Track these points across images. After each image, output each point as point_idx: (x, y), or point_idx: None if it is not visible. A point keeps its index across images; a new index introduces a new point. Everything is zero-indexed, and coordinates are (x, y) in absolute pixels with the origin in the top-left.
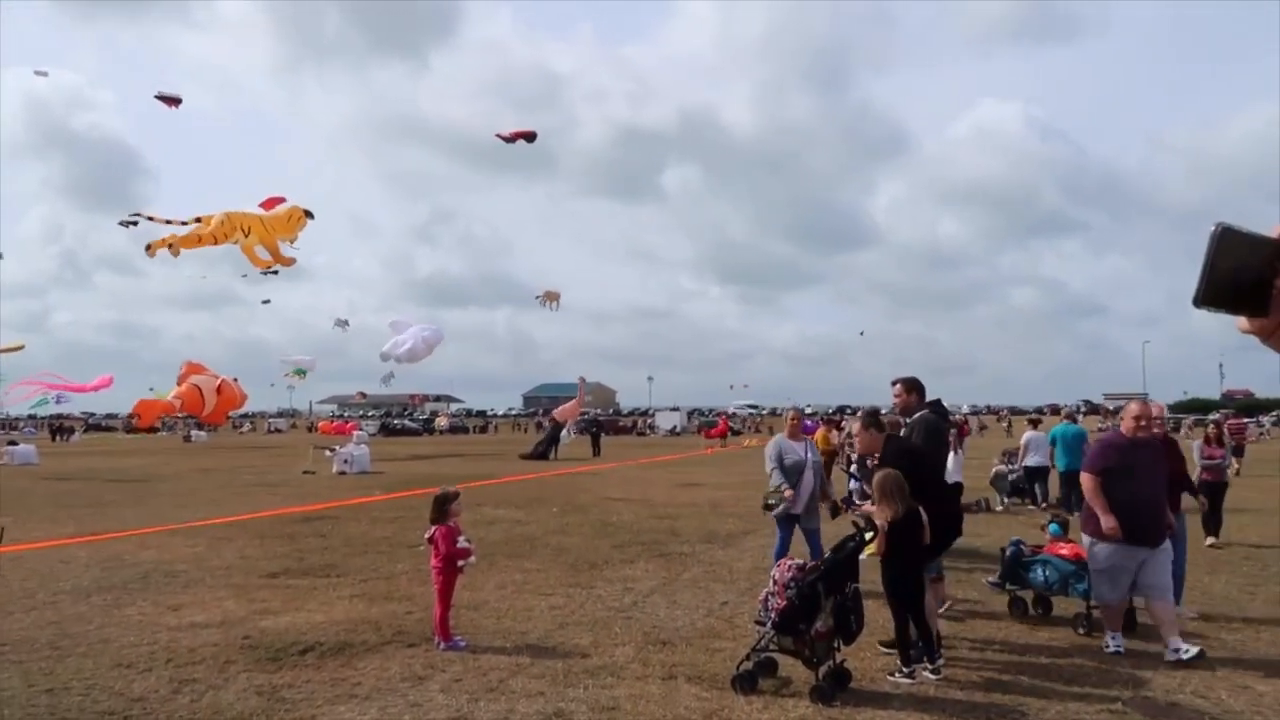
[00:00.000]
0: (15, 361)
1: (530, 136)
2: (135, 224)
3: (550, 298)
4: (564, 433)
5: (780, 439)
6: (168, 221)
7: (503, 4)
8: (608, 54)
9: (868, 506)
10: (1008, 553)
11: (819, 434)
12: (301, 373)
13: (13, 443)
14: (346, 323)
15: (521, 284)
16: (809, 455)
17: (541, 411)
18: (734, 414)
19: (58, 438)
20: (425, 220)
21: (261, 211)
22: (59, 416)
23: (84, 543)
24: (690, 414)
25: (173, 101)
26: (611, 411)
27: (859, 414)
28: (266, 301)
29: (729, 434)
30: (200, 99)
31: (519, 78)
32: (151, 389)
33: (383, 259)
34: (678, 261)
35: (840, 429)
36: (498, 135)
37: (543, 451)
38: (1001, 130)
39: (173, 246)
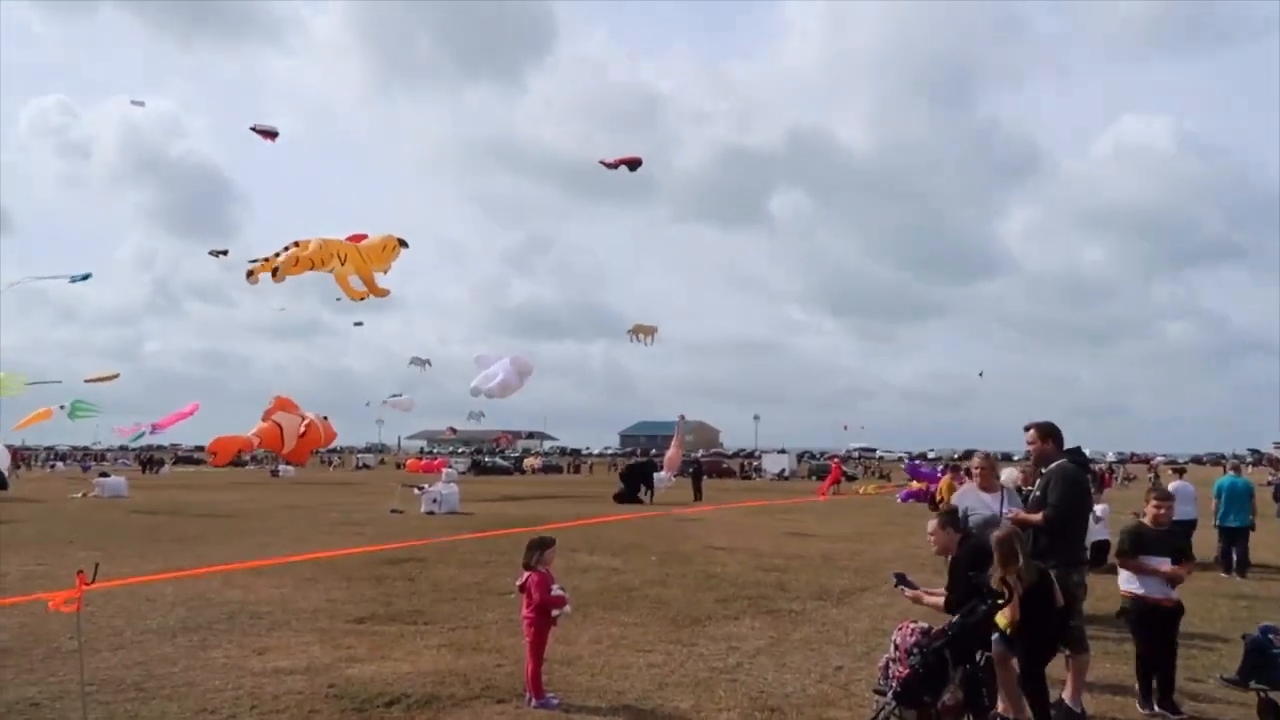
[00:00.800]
0: (108, 391)
1: (635, 164)
2: (225, 254)
3: (643, 332)
4: (662, 475)
5: (969, 490)
6: (265, 259)
7: (599, 22)
8: (710, 71)
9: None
10: (1250, 640)
11: (943, 484)
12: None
13: (104, 474)
14: (427, 362)
15: (618, 315)
16: (1004, 508)
17: (638, 451)
18: (848, 458)
19: (148, 470)
20: (518, 248)
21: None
22: (149, 448)
23: (171, 579)
24: (800, 457)
25: (269, 135)
26: (714, 452)
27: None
28: (359, 324)
29: (842, 479)
30: (292, 125)
31: (616, 98)
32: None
33: (473, 288)
34: (786, 292)
35: (968, 477)
36: (601, 162)
37: (631, 490)
38: (1150, 146)
39: (277, 271)
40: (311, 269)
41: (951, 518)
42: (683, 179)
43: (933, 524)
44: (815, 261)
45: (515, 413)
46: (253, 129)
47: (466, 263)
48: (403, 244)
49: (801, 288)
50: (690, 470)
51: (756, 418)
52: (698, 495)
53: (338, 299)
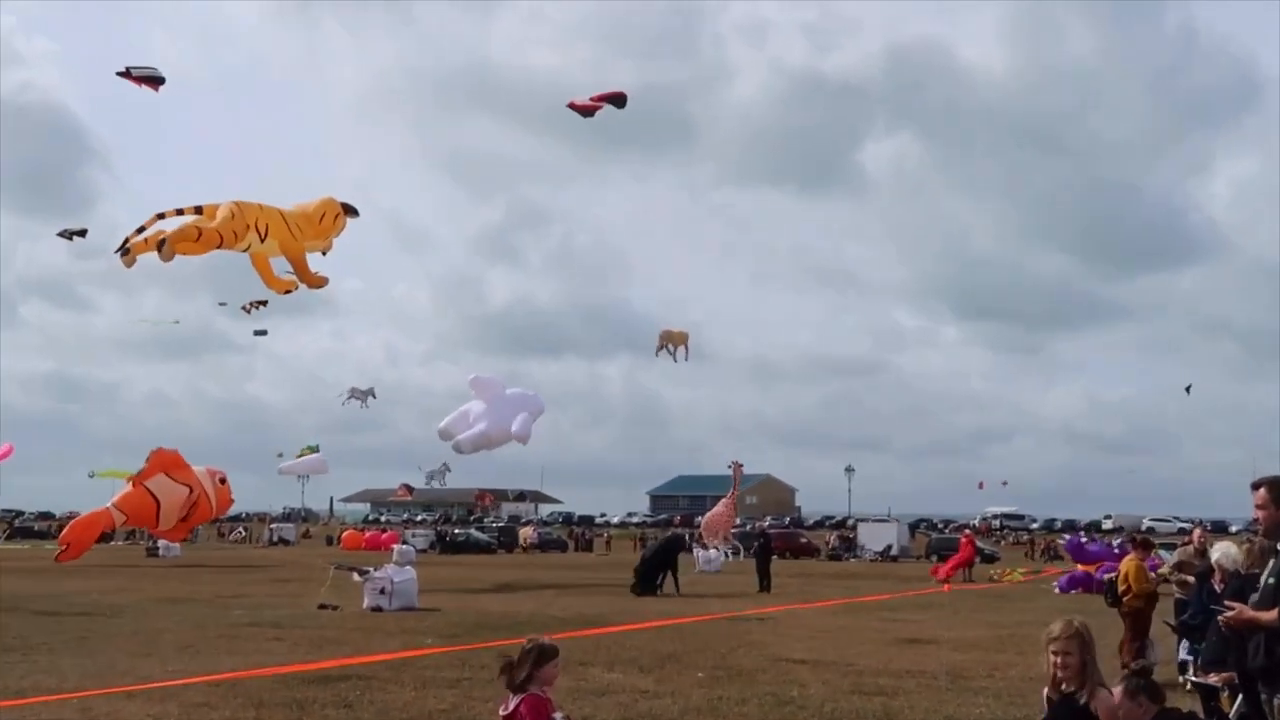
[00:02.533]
0: None
1: (618, 100)
2: (82, 235)
3: (673, 341)
4: (710, 554)
5: None
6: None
7: None
8: None
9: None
10: None
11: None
12: (314, 449)
13: None
14: (369, 394)
15: (644, 321)
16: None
17: (677, 521)
18: (985, 529)
19: None
20: (499, 226)
21: (283, 206)
22: None
23: None
24: (913, 527)
25: (151, 83)
26: (788, 521)
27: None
28: (261, 333)
29: (976, 560)
30: (176, 55)
31: (638, 5)
32: (92, 474)
33: (436, 284)
34: (887, 285)
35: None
36: (572, 105)
37: (648, 580)
38: None
39: (165, 246)
40: (219, 246)
41: (1143, 682)
42: (734, 123)
43: (1118, 693)
44: (929, 241)
45: (498, 464)
46: (126, 74)
47: (426, 248)
48: (349, 211)
49: (909, 279)
50: (754, 547)
51: (849, 470)
52: (764, 584)
53: (223, 303)
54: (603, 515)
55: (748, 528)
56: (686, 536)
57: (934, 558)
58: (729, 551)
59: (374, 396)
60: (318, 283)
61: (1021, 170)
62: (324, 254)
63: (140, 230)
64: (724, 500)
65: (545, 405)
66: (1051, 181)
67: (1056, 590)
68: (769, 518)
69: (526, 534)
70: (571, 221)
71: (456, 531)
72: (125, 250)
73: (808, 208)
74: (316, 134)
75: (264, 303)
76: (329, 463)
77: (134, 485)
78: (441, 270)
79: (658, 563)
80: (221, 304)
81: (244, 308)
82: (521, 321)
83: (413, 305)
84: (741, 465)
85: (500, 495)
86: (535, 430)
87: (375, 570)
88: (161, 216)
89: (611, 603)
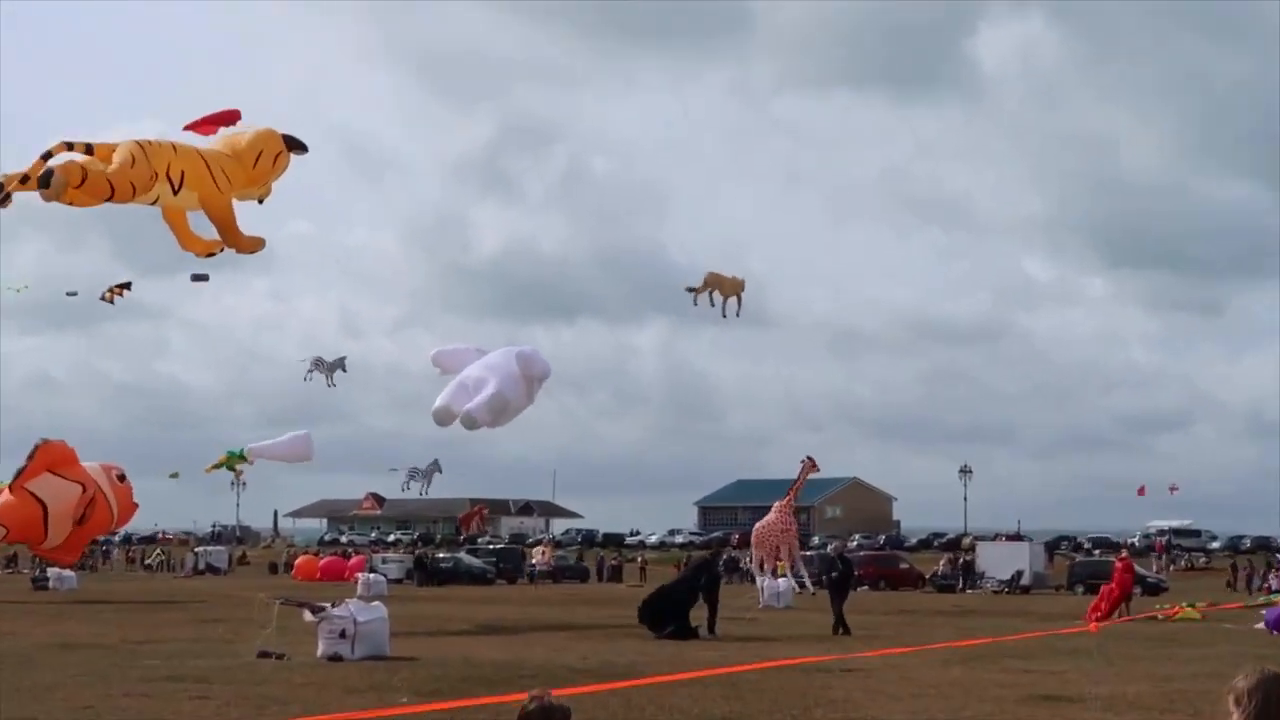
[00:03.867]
0: None
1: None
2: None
3: (720, 287)
4: (784, 582)
5: None
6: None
7: None
8: None
9: None
10: None
11: None
12: (238, 457)
13: None
14: (339, 366)
15: (686, 272)
16: None
17: (736, 538)
18: (1145, 549)
19: None
20: (489, 147)
21: (203, 141)
22: None
23: None
24: (1050, 547)
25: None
26: (882, 540)
27: None
28: (201, 278)
29: (1134, 591)
30: None
31: None
32: None
33: (407, 226)
34: (1012, 222)
35: None
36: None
37: (674, 621)
38: None
39: (50, 181)
40: (109, 199)
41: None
42: (803, 7)
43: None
44: (1067, 163)
45: (496, 465)
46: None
47: (392, 178)
48: (294, 147)
49: (1041, 215)
50: (826, 576)
51: (965, 472)
52: (840, 623)
53: (72, 293)
54: (635, 533)
55: (827, 548)
56: (744, 560)
57: (1079, 588)
58: (800, 580)
59: (344, 370)
60: (250, 246)
61: (1193, 66)
62: (261, 200)
63: (24, 179)
64: (777, 505)
65: (550, 365)
66: (1233, 81)
67: (1264, 627)
68: (856, 536)
69: (540, 558)
70: (585, 140)
71: (441, 556)
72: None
73: (902, 119)
74: (244, 26)
75: (127, 286)
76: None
77: (13, 490)
78: (413, 208)
79: (683, 593)
80: (70, 294)
81: (103, 297)
82: (520, 276)
83: (376, 255)
84: (815, 463)
85: (499, 508)
86: (543, 421)
87: (333, 607)
88: (48, 156)
89: (645, 648)
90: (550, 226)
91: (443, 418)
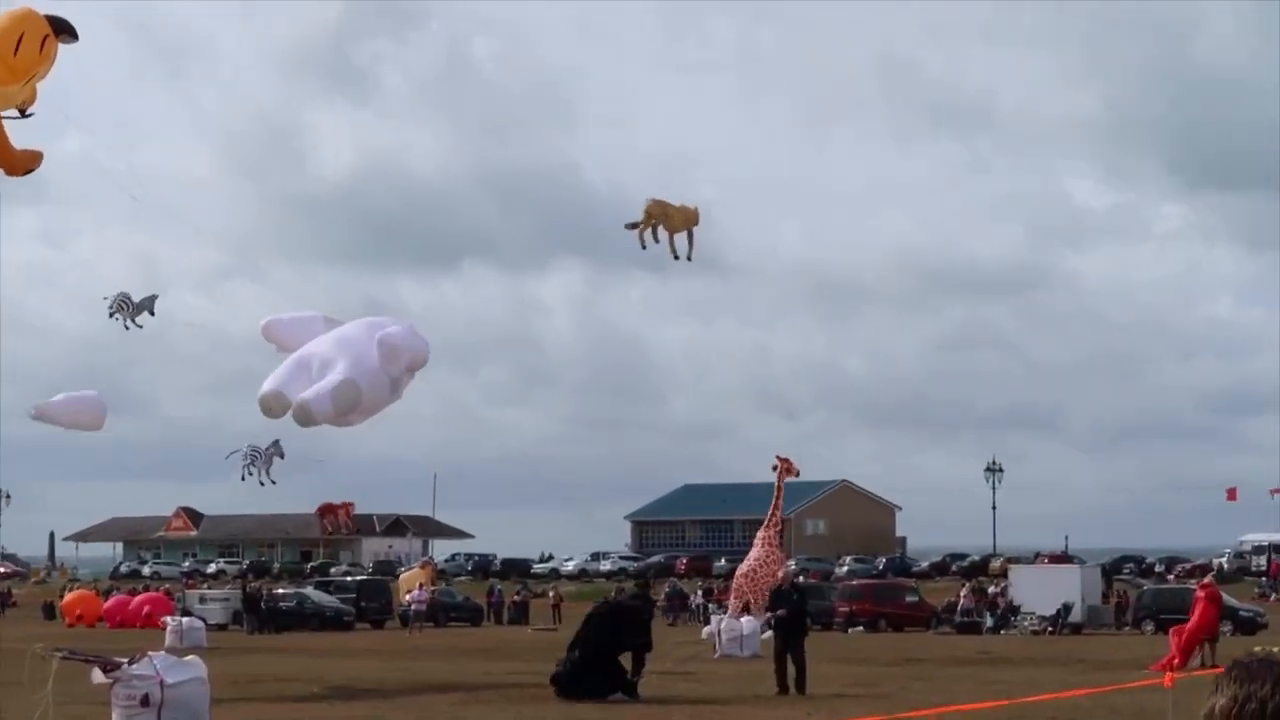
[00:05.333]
0: None
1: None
2: None
3: (669, 221)
4: (748, 621)
5: None
6: None
7: None
8: None
9: None
10: None
11: None
12: None
13: None
14: (146, 308)
15: (608, 201)
16: None
17: (683, 564)
18: (1238, 569)
19: None
20: (334, 29)
21: None
22: None
23: None
24: (1109, 570)
25: None
26: (881, 565)
27: None
28: None
29: (1220, 630)
30: None
31: None
32: None
33: (224, 140)
34: (1053, 129)
35: None
36: None
37: (588, 674)
38: None
39: None
40: None
41: None
42: None
43: None
44: (1130, 47)
45: (355, 468)
46: None
47: (201, 71)
48: (62, 31)
49: (1095, 117)
50: (771, 615)
51: (993, 470)
52: (798, 676)
53: None
54: (546, 559)
55: (800, 579)
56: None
57: (1147, 626)
58: (764, 622)
59: (151, 314)
60: (23, 164)
61: None
62: (24, 113)
63: None
64: (761, 537)
65: (429, 348)
66: None
67: None
68: (846, 558)
69: (412, 598)
70: (464, 19)
71: (281, 592)
72: None
73: None
74: None
75: None
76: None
77: None
78: (231, 114)
79: (607, 641)
80: None
81: None
82: (380, 207)
83: (182, 181)
84: (793, 464)
85: (360, 526)
86: (417, 409)
87: (132, 663)
88: None
89: (561, 716)
90: (420, 138)
91: (271, 406)
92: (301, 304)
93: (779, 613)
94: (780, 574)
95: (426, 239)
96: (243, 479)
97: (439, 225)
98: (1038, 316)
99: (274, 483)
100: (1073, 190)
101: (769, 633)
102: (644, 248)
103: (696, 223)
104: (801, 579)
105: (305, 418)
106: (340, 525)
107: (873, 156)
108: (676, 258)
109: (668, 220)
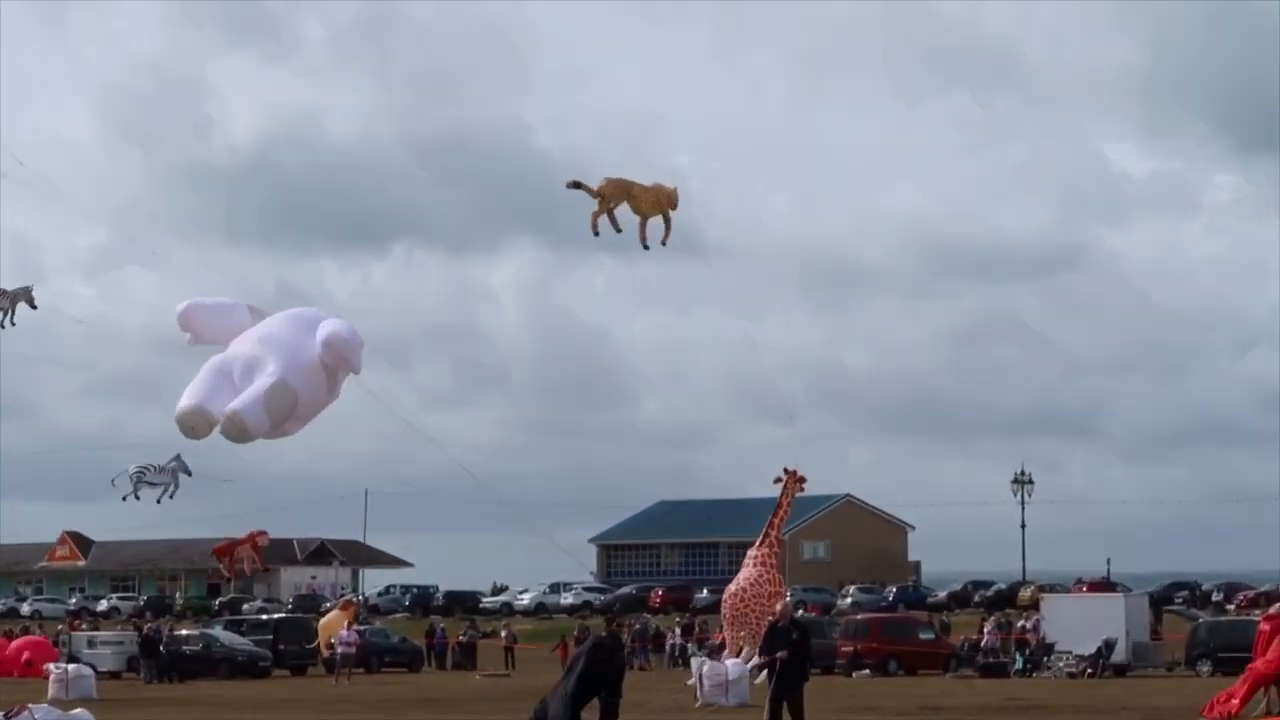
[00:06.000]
0: None
1: None
2: None
3: (639, 205)
4: (734, 664)
5: None
6: None
7: None
8: None
9: None
10: None
11: None
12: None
13: None
14: (23, 298)
15: (557, 164)
16: None
17: (658, 596)
18: None
19: None
20: None
21: None
22: None
23: None
24: (1158, 600)
25: None
26: (890, 595)
27: None
28: None
29: None
30: None
31: None
32: None
33: (109, 99)
34: (1083, 83)
35: None
36: None
37: None
38: None
39: None
40: None
41: None
42: None
43: None
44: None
45: (269, 484)
46: None
47: (83, 22)
48: None
49: (1135, 70)
50: (767, 656)
51: (1021, 482)
52: None
53: None
54: (498, 590)
55: (799, 613)
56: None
57: (1204, 665)
58: (755, 666)
59: (32, 306)
60: None
61: None
62: None
63: None
64: (752, 554)
65: (362, 345)
66: None
67: None
68: (851, 587)
69: (338, 639)
70: None
71: (184, 633)
72: None
73: None
74: None
75: None
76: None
77: None
78: (118, 68)
79: (580, 693)
80: None
81: None
82: (297, 179)
83: (59, 146)
84: (800, 479)
85: (279, 553)
86: (345, 414)
87: (8, 718)
88: None
89: None
90: (343, 98)
91: (195, 424)
92: (203, 293)
93: (779, 655)
94: (779, 608)
95: (351, 216)
96: (123, 499)
97: (366, 200)
98: (1070, 303)
99: (171, 499)
100: (1110, 155)
101: (761, 676)
102: (596, 233)
103: (674, 205)
104: (800, 613)
105: (238, 431)
106: (246, 564)
107: (876, 117)
108: (646, 247)
109: (635, 202)
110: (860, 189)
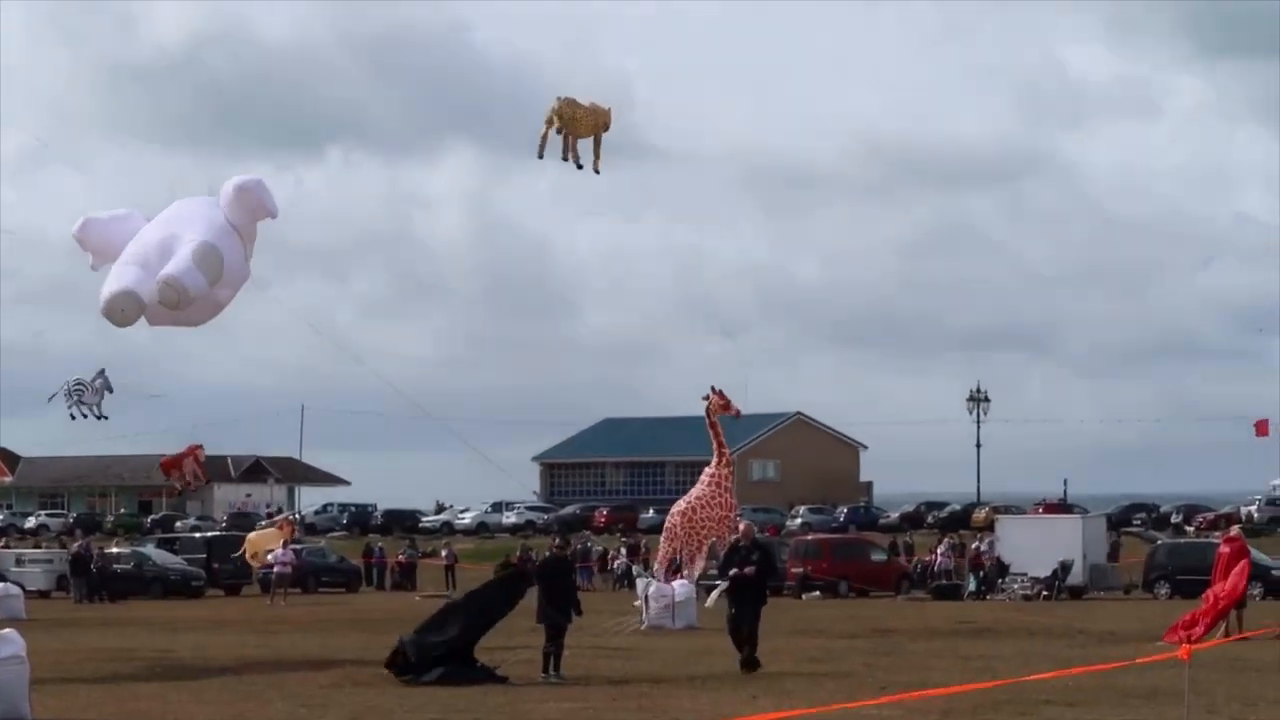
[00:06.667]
0: None
1: None
2: None
3: (575, 126)
4: (681, 585)
5: None
6: None
7: None
8: None
9: None
10: None
11: None
12: None
13: None
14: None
15: (502, 71)
16: None
17: (603, 515)
18: (1270, 518)
19: None
20: None
21: None
22: None
23: None
24: (1116, 521)
25: None
26: (841, 515)
27: None
28: None
29: (1248, 592)
30: None
31: None
32: None
33: None
34: None
35: None
36: None
37: (448, 659)
38: None
39: None
40: None
41: None
42: None
43: None
44: None
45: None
46: None
47: None
48: None
49: None
50: (727, 577)
51: (977, 399)
52: (747, 659)
53: None
54: (440, 509)
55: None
56: (619, 554)
57: (1162, 588)
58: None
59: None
60: None
61: None
62: None
63: None
64: (709, 472)
65: (278, 209)
66: None
67: None
68: (801, 508)
69: (267, 548)
70: None
71: (115, 551)
72: None
73: None
74: None
75: None
76: None
77: None
78: None
79: (482, 613)
80: None
81: None
82: (227, 79)
83: None
84: (724, 397)
85: (213, 469)
86: (277, 324)
87: None
88: None
89: (453, 700)
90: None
91: (124, 308)
92: (131, 196)
93: (746, 570)
94: (742, 527)
95: (282, 117)
96: (72, 419)
97: (298, 101)
98: (1028, 212)
99: (105, 418)
100: (1069, 58)
101: (714, 596)
102: (541, 156)
103: (607, 128)
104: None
105: (176, 295)
106: (191, 477)
107: (828, 18)
108: (580, 167)
109: (574, 124)
110: (811, 93)
